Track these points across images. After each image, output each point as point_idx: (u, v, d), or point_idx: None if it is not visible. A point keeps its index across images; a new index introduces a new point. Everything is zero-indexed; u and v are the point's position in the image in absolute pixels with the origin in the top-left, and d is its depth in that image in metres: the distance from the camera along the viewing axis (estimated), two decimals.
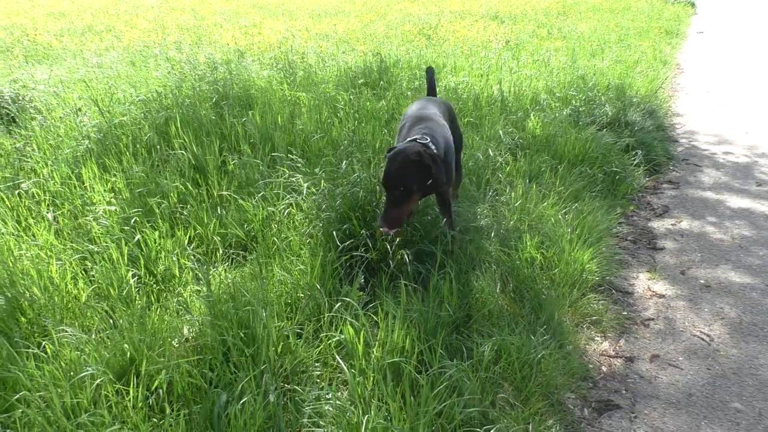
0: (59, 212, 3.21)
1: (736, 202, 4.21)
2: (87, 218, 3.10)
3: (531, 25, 10.99)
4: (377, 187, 3.19)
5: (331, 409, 2.02)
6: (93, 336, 2.30)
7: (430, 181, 2.59)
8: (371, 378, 2.16)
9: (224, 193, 3.39)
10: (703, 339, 2.72)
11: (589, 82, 6.00)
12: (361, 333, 2.26)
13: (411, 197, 2.57)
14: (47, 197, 3.37)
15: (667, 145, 5.31)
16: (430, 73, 3.64)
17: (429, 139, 2.67)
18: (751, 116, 6.47)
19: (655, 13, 13.61)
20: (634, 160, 4.60)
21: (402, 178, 2.53)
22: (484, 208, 3.45)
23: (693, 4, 18.25)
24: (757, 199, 4.25)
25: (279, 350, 2.28)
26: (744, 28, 14.18)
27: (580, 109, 5.34)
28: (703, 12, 17.86)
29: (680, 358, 2.60)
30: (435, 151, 2.63)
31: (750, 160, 5.06)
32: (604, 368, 2.54)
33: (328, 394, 2.10)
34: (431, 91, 3.61)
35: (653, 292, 3.11)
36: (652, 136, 5.20)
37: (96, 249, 2.84)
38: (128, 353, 2.16)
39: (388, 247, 2.86)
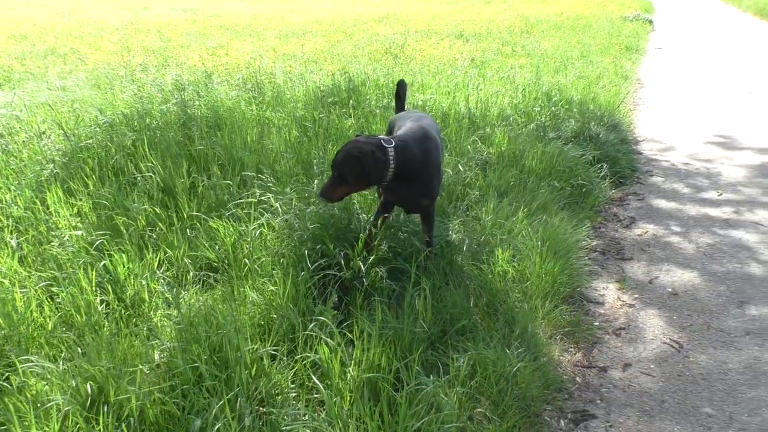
0: (23, 238, 3.13)
1: (698, 211, 4.33)
2: (52, 243, 3.03)
3: (495, 43, 11.19)
4: (349, 204, 3.20)
5: (308, 430, 1.99)
6: (60, 365, 2.23)
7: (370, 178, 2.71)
8: (348, 397, 2.15)
9: (195, 214, 3.35)
10: (673, 346, 2.77)
11: (553, 98, 6.12)
12: (337, 352, 2.24)
13: (345, 183, 2.73)
14: (10, 223, 3.28)
15: (631, 157, 5.44)
16: (403, 86, 3.69)
17: (393, 143, 2.71)
18: (710, 128, 6.67)
19: (615, 30, 13.98)
20: (600, 172, 4.69)
21: (340, 166, 2.69)
22: (456, 223, 3.48)
23: (651, 22, 18.80)
24: (718, 208, 4.37)
25: (253, 373, 2.24)
26: (700, 44, 14.67)
27: (546, 123, 5.44)
28: (661, 29, 18.42)
29: (652, 366, 2.64)
30: (393, 154, 2.68)
31: (710, 171, 5.22)
32: (578, 379, 2.56)
33: (305, 415, 2.08)
34: (401, 106, 3.66)
35: (623, 301, 3.16)
36: (616, 149, 5.32)
37: (62, 275, 2.77)
38: (97, 381, 2.10)
39: (362, 265, 2.86)
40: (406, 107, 3.80)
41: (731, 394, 2.45)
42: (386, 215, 3.13)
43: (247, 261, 2.90)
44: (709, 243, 3.82)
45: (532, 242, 3.20)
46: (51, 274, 2.79)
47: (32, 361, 2.20)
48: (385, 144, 2.69)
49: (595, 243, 3.85)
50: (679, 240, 3.88)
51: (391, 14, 19.68)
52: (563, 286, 3.05)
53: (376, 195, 3.51)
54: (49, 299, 2.66)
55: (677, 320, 2.98)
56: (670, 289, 3.27)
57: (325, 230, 3.06)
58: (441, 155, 3.04)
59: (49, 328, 2.47)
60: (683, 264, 3.56)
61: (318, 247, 2.93)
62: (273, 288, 2.69)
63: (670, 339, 2.83)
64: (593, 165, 4.80)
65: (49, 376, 2.13)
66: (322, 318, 2.44)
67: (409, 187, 2.86)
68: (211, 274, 2.99)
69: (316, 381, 2.21)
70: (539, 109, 5.80)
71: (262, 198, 3.44)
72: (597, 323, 2.95)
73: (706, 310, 3.07)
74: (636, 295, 3.22)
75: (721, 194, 4.64)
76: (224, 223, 3.18)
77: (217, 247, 3.10)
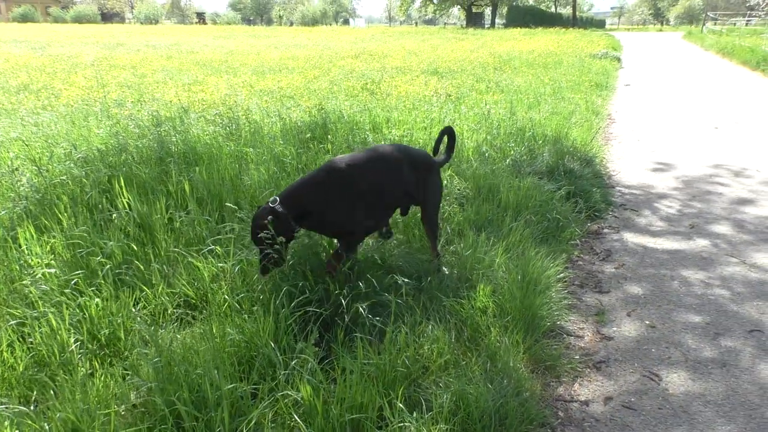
0: None
1: (672, 244, 4.41)
2: (24, 282, 2.96)
3: (469, 79, 11.43)
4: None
5: None
6: (32, 407, 2.16)
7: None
8: None
9: (174, 250, 3.31)
10: (652, 379, 2.79)
11: (527, 133, 6.25)
12: (320, 390, 2.21)
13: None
14: None
15: (605, 191, 5.55)
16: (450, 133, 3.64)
17: (277, 199, 2.90)
18: (679, 162, 6.86)
19: (585, 67, 14.41)
20: (576, 206, 4.77)
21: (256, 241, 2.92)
22: (435, 259, 3.49)
23: (619, 59, 19.45)
24: (691, 240, 4.46)
25: (233, 412, 2.20)
26: (667, 81, 15.18)
27: (521, 159, 5.54)
28: (629, 66, 19.05)
29: (632, 399, 2.65)
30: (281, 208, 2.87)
31: (682, 204, 5.34)
32: (561, 413, 2.56)
33: None
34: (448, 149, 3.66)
35: (602, 335, 3.19)
36: (591, 183, 5.43)
37: (34, 314, 2.70)
38: (71, 424, 2.03)
39: (342, 301, 2.84)
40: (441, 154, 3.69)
41: (710, 426, 2.47)
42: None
43: (226, 297, 2.87)
44: (684, 275, 3.89)
45: (511, 276, 3.23)
46: (23, 312, 2.72)
47: (2, 404, 2.13)
48: (271, 205, 2.87)
49: (573, 276, 3.89)
50: (654, 272, 3.94)
51: (367, 51, 20.02)
52: (543, 320, 3.07)
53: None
54: (20, 339, 2.58)
55: (656, 353, 3.01)
56: (647, 322, 3.31)
57: (305, 265, 3.05)
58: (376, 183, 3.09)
59: (21, 369, 2.40)
60: (659, 296, 3.61)
61: (299, 283, 2.91)
62: (253, 325, 2.66)
63: (650, 372, 2.85)
64: (568, 199, 4.88)
65: (20, 419, 2.06)
66: (304, 355, 2.41)
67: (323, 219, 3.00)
68: (189, 311, 2.94)
69: (298, 420, 2.17)
70: (514, 144, 5.90)
71: (241, 233, 3.42)
72: (577, 357, 2.96)
73: (683, 342, 3.11)
74: (615, 328, 3.25)
75: (693, 227, 4.75)
76: (203, 260, 3.14)
77: (195, 283, 3.06)
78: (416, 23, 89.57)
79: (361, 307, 2.80)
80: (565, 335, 3.16)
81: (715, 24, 42.74)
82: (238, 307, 2.82)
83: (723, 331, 3.21)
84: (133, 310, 2.83)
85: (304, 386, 2.22)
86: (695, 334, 3.18)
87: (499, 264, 3.42)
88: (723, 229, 4.71)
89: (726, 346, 3.06)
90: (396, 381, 2.39)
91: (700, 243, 4.42)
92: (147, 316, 2.85)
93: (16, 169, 4.38)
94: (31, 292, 2.87)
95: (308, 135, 5.73)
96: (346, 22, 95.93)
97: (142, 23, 72.93)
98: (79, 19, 69.65)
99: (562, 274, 3.77)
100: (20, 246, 3.34)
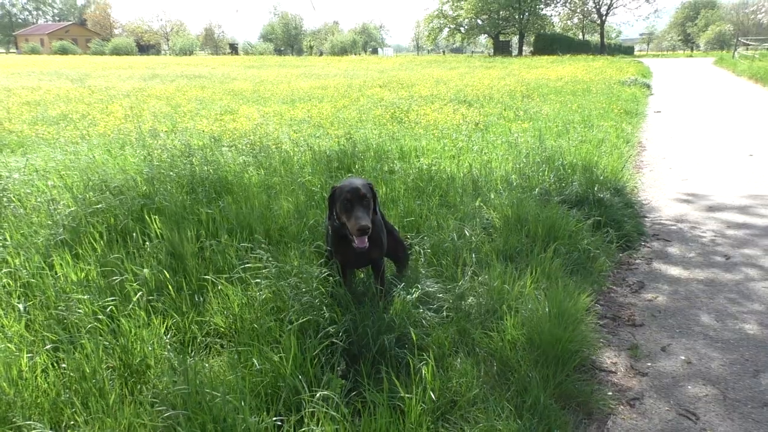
0: (30, 302, 3.12)
1: (707, 276, 4.30)
2: (60, 307, 3.02)
3: (498, 107, 11.46)
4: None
5: None
6: None
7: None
8: None
9: (206, 277, 3.35)
10: (689, 418, 2.70)
11: (556, 162, 6.21)
12: (343, 426, 2.19)
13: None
14: (18, 287, 3.28)
15: (637, 221, 5.46)
16: None
17: None
18: (713, 191, 6.72)
19: (614, 94, 14.34)
20: (606, 237, 4.70)
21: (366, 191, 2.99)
22: (463, 289, 3.46)
23: (649, 86, 19.30)
24: (727, 272, 4.35)
25: None
26: (698, 107, 14.98)
27: (550, 188, 5.49)
28: (659, 93, 18.87)
29: None
30: None
31: (716, 234, 5.22)
32: None
33: None
34: None
35: (636, 370, 3.10)
36: (622, 213, 5.35)
37: (69, 337, 2.75)
38: None
39: (369, 332, 2.83)
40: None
41: None
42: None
43: (255, 326, 2.88)
44: (720, 309, 3.78)
45: (540, 308, 3.18)
46: (58, 336, 2.77)
47: (36, 428, 2.16)
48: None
49: (604, 308, 3.81)
50: (690, 305, 3.84)
51: (395, 80, 20.25)
52: (574, 354, 3.00)
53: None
54: (55, 364, 2.63)
55: (692, 390, 2.92)
56: (683, 357, 3.22)
57: (331, 296, 3.06)
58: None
59: (54, 394, 2.44)
60: (695, 330, 3.51)
61: (326, 314, 2.91)
62: (280, 355, 2.66)
63: (686, 410, 2.76)
64: (599, 229, 4.81)
65: None
66: (328, 392, 2.40)
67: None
68: (218, 339, 2.96)
69: None
70: (543, 173, 5.87)
71: (270, 262, 3.45)
72: (610, 393, 2.88)
73: (720, 379, 3.01)
74: (649, 364, 3.16)
75: (729, 258, 4.63)
76: (233, 288, 3.17)
77: (224, 312, 3.08)
78: (444, 52, 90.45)
79: (388, 338, 2.79)
80: (597, 370, 3.08)
81: (747, 49, 42.18)
82: (266, 336, 2.83)
83: (763, 368, 3.10)
84: (164, 337, 2.86)
85: (327, 423, 2.21)
86: (733, 371, 3.08)
87: (528, 295, 3.37)
88: (759, 261, 4.58)
89: (766, 385, 2.95)
90: (423, 415, 2.36)
91: (736, 275, 4.31)
92: (176, 344, 2.87)
93: (53, 200, 4.50)
94: (66, 318, 2.93)
95: (336, 164, 5.78)
96: (374, 51, 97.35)
97: (177, 54, 75.02)
98: (117, 51, 72.06)
99: (593, 307, 3.71)
100: (56, 272, 3.42)
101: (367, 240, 2.85)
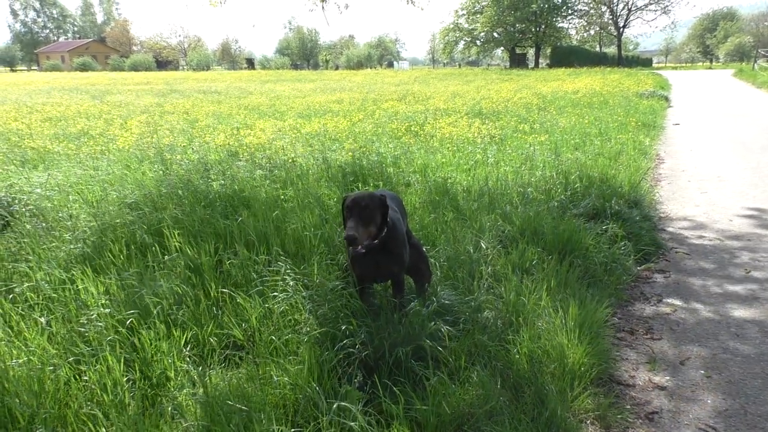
0: (52, 316, 3.18)
1: (727, 289, 4.26)
2: (81, 321, 3.07)
3: (513, 120, 11.45)
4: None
5: None
6: None
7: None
8: None
9: (224, 290, 3.39)
10: None
11: (573, 175, 6.19)
12: None
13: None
14: (41, 301, 3.35)
15: (655, 234, 5.42)
16: None
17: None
18: (733, 204, 6.65)
19: (631, 107, 14.25)
20: (624, 249, 4.67)
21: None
22: (479, 302, 3.46)
23: (667, 98, 19.18)
24: (747, 286, 4.30)
25: None
26: (717, 119, 14.84)
27: (567, 201, 5.48)
28: (678, 105, 18.73)
29: None
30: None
31: (736, 248, 5.16)
32: None
33: None
34: None
35: (654, 384, 3.08)
36: (639, 226, 5.31)
37: (90, 350, 2.80)
38: None
39: (385, 344, 2.84)
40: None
41: None
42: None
43: (273, 338, 2.91)
44: (740, 322, 3.74)
45: (557, 321, 3.17)
46: (79, 349, 2.82)
47: None
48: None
49: (622, 322, 3.78)
50: (709, 318, 3.80)
51: (411, 93, 20.33)
52: (592, 367, 2.99)
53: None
54: (77, 376, 2.68)
55: (712, 404, 2.88)
56: (702, 371, 3.18)
57: (347, 307, 3.08)
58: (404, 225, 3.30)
59: (76, 407, 2.48)
60: (714, 344, 3.47)
61: (342, 326, 2.93)
62: (298, 367, 2.68)
63: (706, 425, 2.73)
64: (616, 242, 4.78)
65: None
66: (346, 404, 2.41)
67: (380, 257, 3.04)
68: (237, 352, 2.99)
69: None
70: (559, 186, 5.85)
71: (287, 275, 3.48)
72: (628, 407, 2.86)
73: (741, 393, 2.97)
74: (668, 377, 3.13)
75: (749, 272, 4.58)
76: (251, 300, 3.21)
77: (243, 324, 3.12)
78: (460, 65, 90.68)
79: (404, 350, 2.79)
80: (614, 384, 3.06)
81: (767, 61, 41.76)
82: (283, 348, 2.86)
83: None
84: (184, 350, 2.90)
85: None
86: (754, 386, 3.04)
87: (544, 308, 3.36)
88: None
89: None
90: (439, 427, 2.36)
91: (756, 289, 4.25)
92: (196, 356, 2.91)
93: (73, 214, 4.59)
94: (87, 331, 2.98)
95: (351, 178, 5.83)
96: (390, 65, 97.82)
97: (194, 70, 76.12)
98: (135, 67, 73.24)
99: (610, 320, 3.69)
100: (77, 286, 3.48)
101: (360, 248, 2.83)
